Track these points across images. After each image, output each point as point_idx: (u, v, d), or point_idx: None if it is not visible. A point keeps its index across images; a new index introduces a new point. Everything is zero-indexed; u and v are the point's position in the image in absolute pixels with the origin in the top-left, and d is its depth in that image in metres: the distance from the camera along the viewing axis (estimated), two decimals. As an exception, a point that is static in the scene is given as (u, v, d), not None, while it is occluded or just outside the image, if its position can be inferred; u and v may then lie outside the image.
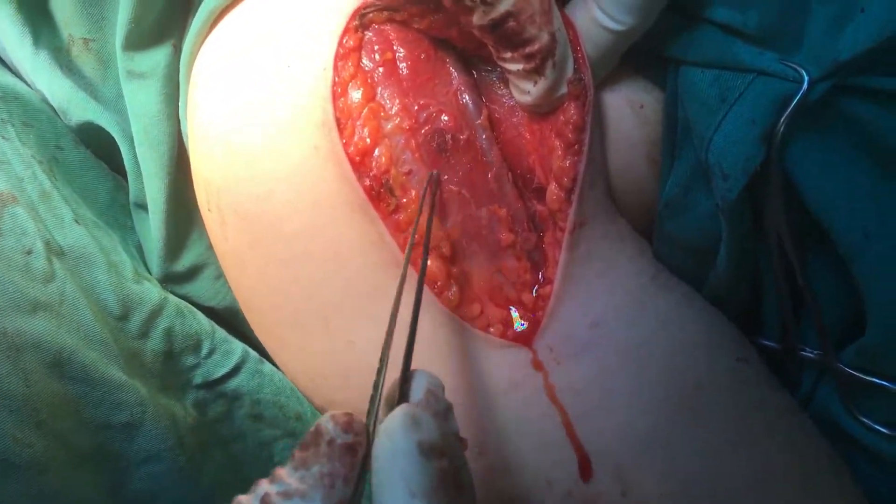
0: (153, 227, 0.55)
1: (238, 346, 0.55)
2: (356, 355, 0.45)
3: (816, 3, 0.40)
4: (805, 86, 0.40)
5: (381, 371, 0.34)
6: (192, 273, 0.58)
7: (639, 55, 0.45)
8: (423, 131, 0.44)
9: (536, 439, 0.44)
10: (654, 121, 0.47)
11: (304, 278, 0.45)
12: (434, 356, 0.44)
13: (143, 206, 0.57)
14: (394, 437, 0.30)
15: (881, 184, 0.41)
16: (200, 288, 0.59)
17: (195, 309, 0.56)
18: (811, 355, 0.48)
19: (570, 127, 0.43)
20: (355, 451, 0.31)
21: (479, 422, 0.44)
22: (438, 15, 0.44)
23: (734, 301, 0.49)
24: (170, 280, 0.57)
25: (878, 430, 0.47)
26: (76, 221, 0.50)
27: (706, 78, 0.43)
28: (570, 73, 0.43)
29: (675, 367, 0.44)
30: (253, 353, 0.56)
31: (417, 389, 0.33)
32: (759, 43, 0.42)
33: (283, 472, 0.31)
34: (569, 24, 0.43)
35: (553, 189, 0.44)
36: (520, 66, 0.42)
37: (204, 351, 0.54)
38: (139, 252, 0.58)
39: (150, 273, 0.57)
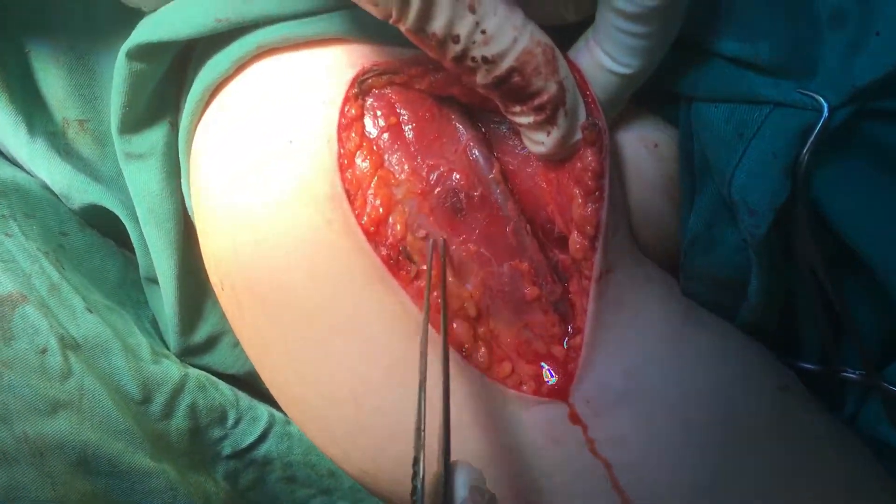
0: (166, 303, 0.54)
1: (264, 411, 0.55)
2: (389, 425, 0.44)
3: (829, 30, 0.39)
4: (825, 114, 0.39)
5: (417, 461, 0.34)
6: (209, 344, 0.57)
7: (648, 93, 0.44)
8: (435, 192, 0.43)
9: (581, 496, 0.43)
10: (670, 158, 0.46)
11: (329, 354, 0.44)
12: (469, 421, 0.43)
13: (154, 280, 0.56)
14: None
15: (914, 206, 0.40)
16: (220, 357, 0.58)
17: (216, 379, 0.55)
18: (853, 376, 0.47)
19: (589, 174, 0.42)
20: None
21: (522, 482, 0.43)
22: (439, 74, 0.43)
23: (769, 328, 0.48)
24: (188, 353, 0.57)
25: (927, 445, 0.46)
26: (88, 310, 0.49)
27: (721, 113, 0.42)
28: (582, 118, 0.42)
29: (716, 408, 0.43)
30: (279, 414, 0.56)
31: (461, 487, 0.33)
32: (773, 74, 0.40)
33: None
34: (574, 69, 0.42)
35: (576, 238, 0.43)
36: (530, 119, 0.41)
37: (230, 421, 0.53)
38: (154, 327, 0.58)
39: (168, 346, 0.57)
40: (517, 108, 0.41)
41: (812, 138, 0.39)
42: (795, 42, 0.40)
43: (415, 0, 0.36)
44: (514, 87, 0.39)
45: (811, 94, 0.39)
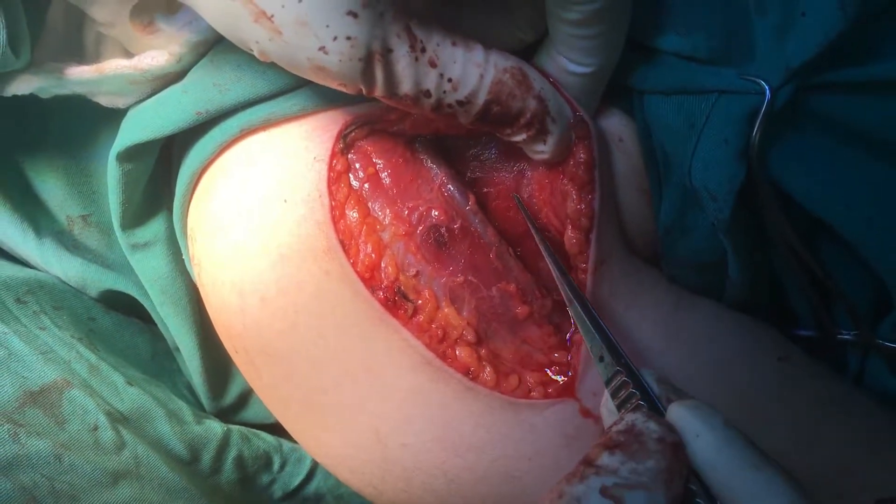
0: (193, 374, 0.57)
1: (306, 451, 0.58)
2: (414, 456, 0.46)
3: (756, 15, 0.40)
4: (768, 96, 0.40)
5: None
6: (241, 402, 0.60)
7: (609, 89, 0.46)
8: (418, 231, 0.46)
9: None
10: (635, 152, 0.48)
11: (347, 399, 0.46)
12: (487, 436, 0.45)
13: (180, 351, 0.59)
14: (713, 424, 0.32)
15: (871, 168, 0.41)
16: (254, 412, 0.61)
17: (257, 430, 0.58)
18: (849, 337, 0.48)
19: (582, 167, 0.45)
20: (683, 449, 0.32)
21: (547, 483, 0.45)
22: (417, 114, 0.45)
23: (759, 301, 0.49)
24: (223, 414, 0.59)
25: (934, 392, 0.47)
26: (129, 384, 0.52)
27: (670, 106, 0.43)
28: (570, 117, 0.44)
29: (719, 390, 0.45)
30: None
31: (651, 382, 0.36)
32: (714, 63, 0.42)
33: (607, 464, 0.31)
34: (545, 74, 0.44)
35: (570, 234, 0.45)
36: (524, 136, 0.43)
37: (276, 466, 0.56)
38: (191, 391, 0.61)
39: (206, 407, 0.60)
40: (508, 131, 0.43)
41: (759, 120, 0.40)
42: (729, 30, 0.41)
43: (378, 74, 0.38)
44: (496, 116, 0.42)
45: (752, 78, 0.41)
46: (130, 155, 0.48)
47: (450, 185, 0.47)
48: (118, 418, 0.49)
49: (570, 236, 0.45)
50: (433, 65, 0.39)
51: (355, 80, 0.38)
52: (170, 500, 0.48)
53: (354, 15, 0.36)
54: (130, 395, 0.51)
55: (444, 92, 0.40)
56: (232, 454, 0.53)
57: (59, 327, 0.54)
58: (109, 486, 0.46)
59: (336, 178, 0.45)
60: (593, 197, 0.45)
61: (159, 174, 0.53)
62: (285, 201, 0.45)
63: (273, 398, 0.50)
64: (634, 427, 0.33)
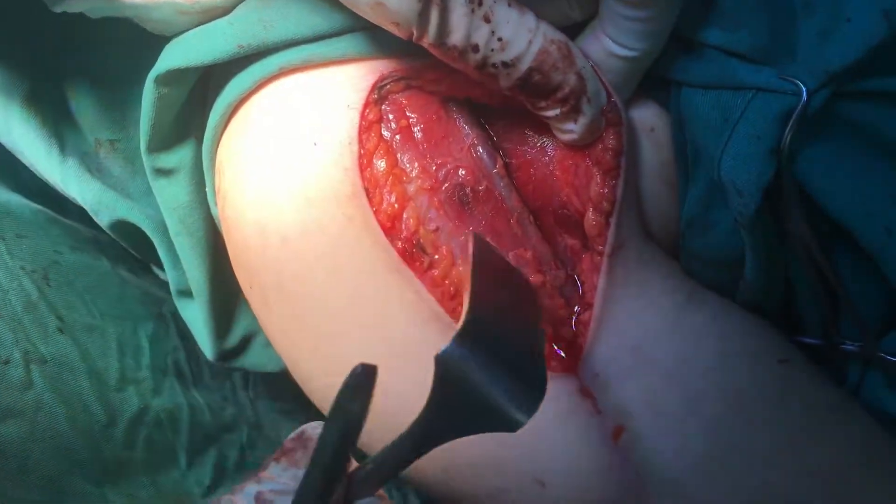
0: (199, 310, 0.57)
1: (212, 454, 0.58)
2: (412, 409, 0.47)
3: (802, 18, 0.41)
4: (804, 97, 0.41)
5: None
6: (243, 346, 0.61)
7: (646, 80, 0.47)
8: (443, 188, 0.47)
9: (595, 464, 0.45)
10: (666, 144, 0.49)
11: (354, 347, 0.46)
12: None
13: (184, 293, 0.60)
14: None
15: (894, 179, 0.42)
16: (254, 357, 0.61)
17: (183, 417, 0.58)
18: (853, 348, 0.49)
19: (610, 153, 0.45)
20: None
21: (538, 453, 0.46)
22: (457, 77, 0.46)
23: (770, 305, 0.50)
24: (224, 357, 0.60)
25: (928, 412, 0.47)
26: (60, 330, 0.52)
27: (707, 99, 0.44)
28: (604, 102, 0.45)
29: (718, 381, 0.45)
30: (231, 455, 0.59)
31: None
32: (755, 60, 0.43)
33: (269, 473, 0.33)
34: (587, 56, 0.45)
35: (590, 216, 0.46)
36: (557, 111, 0.44)
37: (182, 464, 0.56)
38: (152, 342, 0.60)
39: (205, 353, 0.60)
40: (543, 104, 0.44)
41: (792, 121, 0.41)
42: (773, 30, 0.42)
43: (433, 18, 0.39)
44: (536, 85, 0.42)
45: (791, 78, 0.41)
46: (168, 79, 0.49)
47: (480, 147, 0.47)
48: (36, 360, 0.49)
49: (591, 218, 0.46)
50: (487, 20, 0.39)
51: (410, 20, 0.39)
52: (54, 454, 0.47)
53: None
54: (57, 341, 0.51)
55: (492, 50, 0.40)
56: (143, 433, 0.53)
57: (13, 256, 0.53)
58: None
59: (367, 126, 0.46)
60: (616, 183, 0.46)
61: (193, 104, 0.54)
62: (315, 144, 0.46)
63: (281, 338, 0.51)
64: (305, 432, 0.34)
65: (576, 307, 0.47)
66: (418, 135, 0.47)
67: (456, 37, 0.40)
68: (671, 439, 0.44)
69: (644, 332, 0.46)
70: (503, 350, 0.34)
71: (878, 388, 0.49)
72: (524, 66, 0.41)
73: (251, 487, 0.33)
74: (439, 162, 0.47)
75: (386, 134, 0.47)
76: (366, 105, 0.46)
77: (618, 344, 0.46)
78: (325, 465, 0.31)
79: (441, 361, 0.33)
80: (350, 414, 0.33)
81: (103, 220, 0.58)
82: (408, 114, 0.47)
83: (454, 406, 0.33)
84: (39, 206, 0.60)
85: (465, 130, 0.48)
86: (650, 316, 0.47)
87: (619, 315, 0.47)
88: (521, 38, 0.41)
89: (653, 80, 0.47)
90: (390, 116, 0.47)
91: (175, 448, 0.55)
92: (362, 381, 0.33)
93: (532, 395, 0.33)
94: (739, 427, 0.45)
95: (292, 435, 0.34)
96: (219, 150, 0.51)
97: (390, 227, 0.46)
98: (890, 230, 0.42)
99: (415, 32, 0.40)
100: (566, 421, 0.45)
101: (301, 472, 0.32)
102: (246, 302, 0.56)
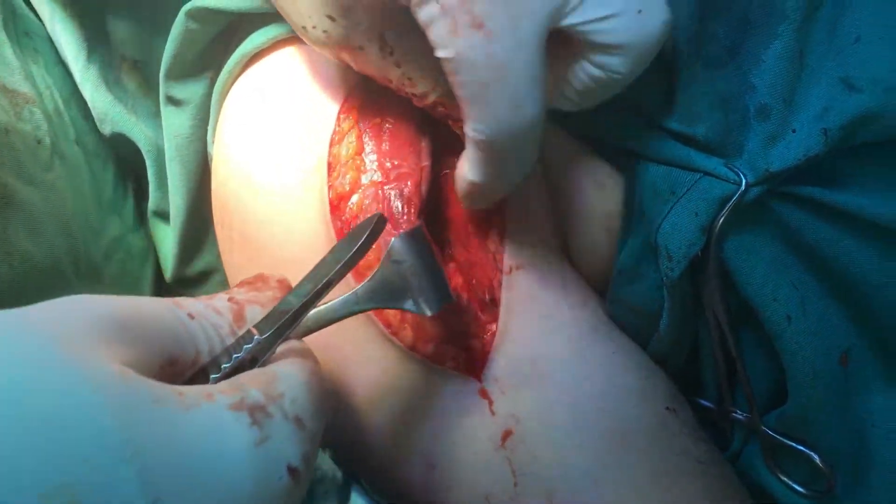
0: (172, 233, 0.62)
1: None
2: (342, 360, 0.50)
3: (755, 121, 0.46)
4: (742, 188, 0.46)
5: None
6: (201, 278, 0.65)
7: (605, 146, 0.52)
8: (386, 190, 0.49)
9: (481, 458, 0.49)
10: (613, 199, 0.54)
11: None
12: (397, 383, 0.49)
13: (159, 215, 0.64)
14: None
15: (803, 276, 0.48)
16: (208, 292, 0.64)
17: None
18: (741, 417, 0.54)
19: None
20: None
21: (434, 439, 0.49)
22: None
23: (674, 362, 0.55)
24: (181, 283, 0.64)
25: (795, 488, 0.52)
26: (76, 142, 0.58)
27: (660, 172, 0.49)
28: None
29: (607, 408, 0.49)
30: None
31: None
32: (706, 150, 0.48)
33: (235, 291, 0.41)
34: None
35: (492, 235, 0.51)
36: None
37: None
38: (136, 196, 0.67)
39: (165, 274, 0.65)
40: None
41: (728, 206, 0.46)
42: (726, 128, 0.47)
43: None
44: (441, 115, 0.48)
45: (736, 168, 0.47)
46: (197, 16, 0.53)
47: (428, 157, 0.51)
48: (59, 153, 0.54)
49: (492, 237, 0.51)
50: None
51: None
52: (56, 232, 0.52)
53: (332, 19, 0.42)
54: (73, 149, 0.57)
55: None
56: (118, 255, 0.60)
57: (49, 74, 0.59)
58: (22, 181, 0.50)
59: (348, 108, 0.50)
60: (502, 217, 0.51)
61: (216, 47, 0.57)
62: (305, 110, 0.50)
63: (235, 277, 0.55)
64: (263, 275, 0.44)
65: (487, 318, 0.50)
66: (386, 135, 0.51)
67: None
68: (551, 450, 0.48)
69: (546, 350, 0.50)
70: (427, 260, 0.43)
71: (754, 458, 0.54)
72: (431, 98, 0.47)
73: (221, 296, 0.39)
74: (395, 164, 0.50)
75: (362, 123, 0.51)
76: (354, 88, 0.50)
77: (519, 356, 0.49)
78: (323, 276, 0.39)
79: (394, 243, 0.42)
80: (356, 241, 0.40)
81: (105, 129, 0.62)
82: (384, 112, 0.51)
83: (389, 280, 0.42)
84: None
85: (424, 152, 0.51)
86: (555, 336, 0.51)
87: (525, 330, 0.50)
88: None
89: (614, 148, 0.53)
90: (371, 106, 0.51)
91: (140, 281, 0.62)
92: (373, 225, 0.40)
93: (438, 298, 0.43)
94: (616, 452, 0.49)
95: (251, 279, 0.43)
96: (228, 97, 0.55)
97: (336, 206, 0.49)
98: (790, 317, 0.47)
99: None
100: (463, 416, 0.49)
101: (262, 294, 0.41)
102: (213, 241, 0.61)
